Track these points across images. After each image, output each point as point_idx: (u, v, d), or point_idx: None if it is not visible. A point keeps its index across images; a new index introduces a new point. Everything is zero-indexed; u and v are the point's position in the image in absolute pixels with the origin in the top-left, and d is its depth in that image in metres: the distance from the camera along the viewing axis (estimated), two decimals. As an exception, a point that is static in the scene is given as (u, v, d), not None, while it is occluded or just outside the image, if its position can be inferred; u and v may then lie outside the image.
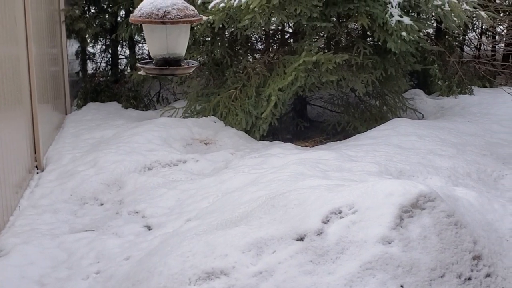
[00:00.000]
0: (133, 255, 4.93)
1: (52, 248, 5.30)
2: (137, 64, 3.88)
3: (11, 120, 6.20)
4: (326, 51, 7.68)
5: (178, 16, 3.21)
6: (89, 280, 4.78)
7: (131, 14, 3.42)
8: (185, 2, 3.38)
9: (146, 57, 10.02)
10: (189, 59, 3.74)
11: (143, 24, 3.30)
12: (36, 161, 7.08)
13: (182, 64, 3.47)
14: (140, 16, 3.25)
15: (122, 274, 4.62)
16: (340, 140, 7.31)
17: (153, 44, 3.38)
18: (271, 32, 8.75)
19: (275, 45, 8.87)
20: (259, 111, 7.58)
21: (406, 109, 8.25)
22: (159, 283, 4.10)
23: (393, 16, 7.50)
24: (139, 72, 3.74)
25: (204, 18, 3.75)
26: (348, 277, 3.75)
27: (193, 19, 3.33)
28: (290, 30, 8.69)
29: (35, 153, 7.05)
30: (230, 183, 5.88)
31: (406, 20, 7.56)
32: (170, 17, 3.19)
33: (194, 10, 3.41)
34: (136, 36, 9.96)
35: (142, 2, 3.29)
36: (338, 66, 7.42)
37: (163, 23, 3.21)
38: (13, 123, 6.28)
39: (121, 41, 10.00)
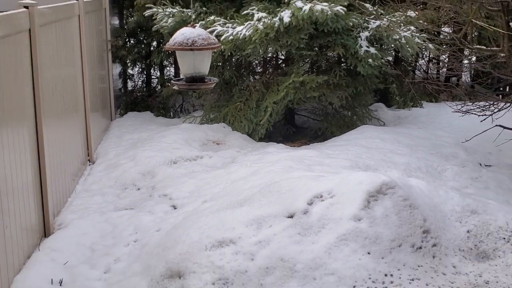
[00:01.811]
0: (163, 228, 4.94)
1: (101, 222, 5.33)
2: (172, 81, 3.94)
3: (70, 124, 6.24)
4: (310, 73, 7.70)
5: (203, 44, 3.26)
6: (129, 247, 4.81)
7: (166, 43, 3.47)
8: (208, 33, 3.43)
9: (172, 78, 10.05)
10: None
11: (176, 50, 3.36)
12: (88, 155, 7.11)
13: (205, 80, 3.53)
14: (174, 44, 3.30)
15: (154, 242, 4.63)
16: (320, 142, 7.33)
17: (184, 65, 3.43)
18: (267, 58, 8.77)
19: (270, 69, 8.90)
20: (258, 119, 7.61)
21: (371, 118, 8.26)
22: (183, 249, 4.12)
23: (362, 47, 7.52)
24: (173, 87, 3.78)
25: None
26: (327, 246, 3.79)
27: (214, 46, 3.38)
28: (282, 57, 8.71)
29: (88, 149, 7.08)
30: (236, 174, 5.92)
31: (372, 50, 7.57)
32: (197, 45, 3.24)
33: (214, 39, 3.47)
34: (164, 61, 9.98)
35: (175, 34, 3.34)
36: (319, 85, 7.44)
37: (191, 49, 3.26)
38: (71, 127, 6.32)
39: (153, 65, 10.00)
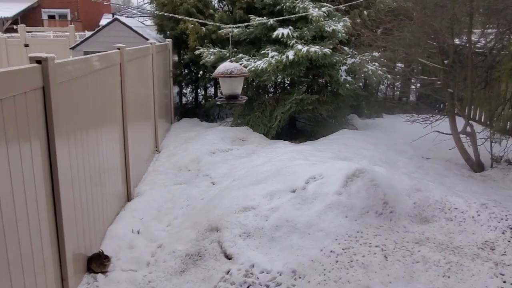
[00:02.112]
0: (205, 197, 4.96)
1: (164, 192, 5.37)
2: (216, 98, 4.00)
3: (144, 126, 6.29)
4: (307, 93, 7.66)
5: (238, 73, 3.29)
6: (183, 210, 4.84)
7: (213, 73, 3.51)
8: (240, 66, 3.45)
9: (212, 95, 10.06)
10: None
11: (219, 77, 3.39)
12: (156, 147, 7.16)
13: (239, 98, 3.55)
14: (218, 73, 3.34)
15: (200, 207, 4.65)
16: (313, 140, 7.29)
17: (224, 87, 3.46)
18: (277, 82, 8.75)
19: (279, 89, 8.87)
20: (271, 124, 7.59)
21: (348, 124, 8.21)
22: (219, 212, 4.14)
23: (342, 76, 7.47)
24: (217, 102, 3.82)
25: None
26: (318, 212, 3.78)
27: (244, 74, 3.41)
28: (288, 82, 8.67)
29: (156, 143, 7.13)
30: (255, 161, 5.92)
31: (349, 78, 7.53)
32: (234, 74, 3.27)
33: (245, 70, 3.50)
34: (207, 84, 9.99)
35: (219, 67, 3.38)
36: (312, 101, 7.43)
37: (230, 77, 3.29)
38: (146, 128, 6.38)
39: (200, 87, 10.00)
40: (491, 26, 6.38)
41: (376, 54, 7.94)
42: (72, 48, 9.22)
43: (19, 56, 11.91)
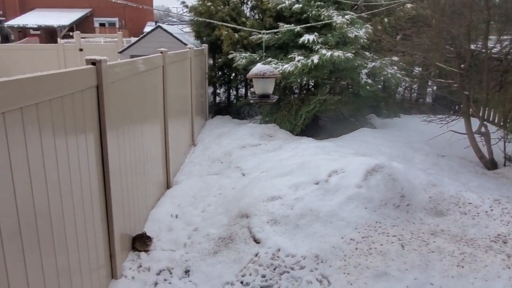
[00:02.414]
0: (236, 187, 4.97)
1: (199, 181, 5.40)
2: (249, 97, 3.98)
3: (182, 122, 6.37)
4: (329, 94, 7.56)
5: (270, 75, 3.27)
6: (216, 197, 4.87)
7: (247, 74, 3.49)
8: (272, 68, 3.43)
9: (243, 95, 10.09)
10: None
11: (253, 78, 3.38)
12: (192, 141, 7.24)
13: (270, 97, 3.53)
14: (252, 74, 3.32)
15: (231, 195, 4.67)
16: (335, 137, 7.20)
17: (257, 87, 3.44)
18: (302, 84, 8.69)
19: (304, 90, 8.80)
20: (296, 122, 7.54)
21: (367, 123, 8.06)
22: (249, 201, 4.15)
23: (363, 79, 7.36)
24: (250, 101, 3.80)
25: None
26: (340, 202, 3.73)
27: (276, 76, 3.39)
28: (312, 83, 8.59)
29: (192, 137, 7.21)
30: (282, 156, 5.89)
31: (369, 81, 7.40)
32: (266, 75, 3.25)
33: (276, 71, 3.47)
34: (239, 85, 10.04)
35: (253, 69, 3.37)
36: (335, 102, 7.33)
37: (263, 77, 3.27)
38: (183, 123, 6.45)
39: (232, 87, 10.05)
40: (506, 32, 6.13)
41: (395, 58, 7.75)
42: (120, 52, 9.41)
43: (74, 60, 12.26)
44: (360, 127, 7.51)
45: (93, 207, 2.94)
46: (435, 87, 9.03)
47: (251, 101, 3.77)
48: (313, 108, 7.32)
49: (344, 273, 3.09)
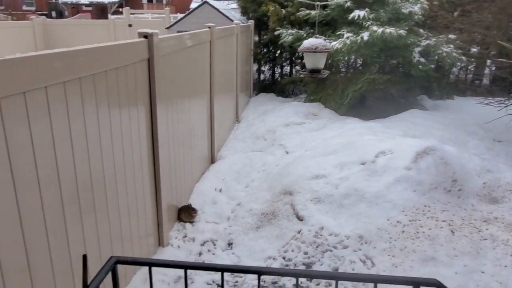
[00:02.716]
0: (280, 164, 4.96)
1: (243, 157, 5.44)
2: (300, 71, 3.88)
3: (227, 98, 6.39)
4: (378, 73, 7.27)
5: (322, 49, 3.17)
6: (259, 174, 4.89)
7: (298, 48, 3.39)
8: (325, 42, 3.32)
9: (288, 73, 9.95)
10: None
11: (304, 52, 3.29)
12: (237, 118, 7.27)
13: (321, 72, 3.43)
14: (303, 48, 3.24)
15: (275, 172, 4.67)
16: (382, 118, 6.95)
17: (308, 62, 3.35)
18: (349, 62, 8.40)
19: (351, 69, 8.52)
20: (342, 101, 7.34)
21: (417, 105, 7.67)
22: (293, 178, 4.13)
23: (415, 58, 6.98)
24: (300, 75, 3.71)
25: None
26: (387, 184, 3.62)
27: (328, 50, 3.29)
28: (360, 62, 8.28)
29: (236, 114, 7.24)
30: (326, 135, 5.79)
31: (422, 59, 7.01)
32: (318, 49, 3.16)
33: (329, 45, 3.36)
34: (283, 63, 9.89)
35: (304, 42, 3.27)
36: (384, 81, 7.04)
37: (315, 52, 3.17)
38: (228, 100, 6.48)
39: (277, 65, 9.93)
40: None
41: (452, 36, 7.27)
42: (167, 28, 9.53)
43: (124, 35, 12.58)
44: (409, 108, 7.19)
45: (143, 177, 3.05)
46: (494, 68, 8.40)
47: (301, 76, 3.69)
48: (361, 88, 7.07)
49: (389, 255, 3.02)
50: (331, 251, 3.18)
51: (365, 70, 7.27)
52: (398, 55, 7.07)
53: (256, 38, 9.49)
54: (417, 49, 7.10)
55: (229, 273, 3.09)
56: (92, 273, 1.28)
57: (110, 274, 1.37)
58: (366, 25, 6.81)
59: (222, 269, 1.29)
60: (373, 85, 7.06)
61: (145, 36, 2.94)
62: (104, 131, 2.41)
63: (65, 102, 2.00)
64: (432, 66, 8.16)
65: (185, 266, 1.30)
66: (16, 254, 1.70)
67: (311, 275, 1.28)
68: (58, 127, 1.95)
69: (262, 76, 10.22)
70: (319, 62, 3.28)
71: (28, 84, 1.71)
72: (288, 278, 3.02)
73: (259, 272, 1.30)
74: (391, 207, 3.42)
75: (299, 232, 3.42)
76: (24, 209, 1.73)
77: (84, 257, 1.16)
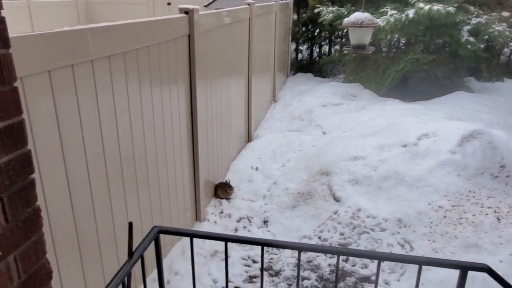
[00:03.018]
0: (317, 144, 4.91)
1: (280, 137, 5.43)
2: (344, 47, 3.72)
3: (264, 78, 6.33)
4: (423, 53, 6.93)
5: (368, 23, 3.04)
6: (296, 153, 4.87)
7: (343, 22, 3.26)
8: (372, 16, 3.18)
9: (326, 53, 9.70)
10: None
11: (349, 27, 3.17)
12: (273, 97, 7.22)
13: (366, 48, 3.30)
14: (348, 23, 3.12)
15: (311, 153, 4.62)
16: (425, 100, 6.66)
17: (353, 37, 3.23)
18: (392, 42, 8.06)
19: (394, 49, 8.17)
20: (383, 82, 7.06)
21: (463, 87, 7.29)
22: (330, 159, 4.06)
23: (463, 36, 6.58)
24: (344, 52, 3.58)
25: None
26: (429, 167, 3.48)
27: (375, 24, 3.14)
28: (403, 41, 7.92)
29: (273, 93, 7.18)
30: (365, 116, 5.64)
31: (471, 39, 6.60)
32: (364, 23, 3.03)
33: (375, 20, 3.21)
34: (322, 42, 9.65)
35: (349, 17, 3.15)
36: (428, 61, 6.70)
37: (360, 27, 3.05)
38: (265, 79, 6.42)
39: (315, 44, 9.70)
40: None
41: (505, 13, 6.78)
42: (206, 6, 9.49)
43: (163, 13, 12.69)
44: (454, 91, 6.83)
45: (182, 153, 3.09)
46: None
47: (345, 52, 3.56)
48: (403, 68, 6.78)
49: (429, 240, 2.93)
50: (368, 233, 3.12)
51: (409, 50, 6.95)
52: (445, 33, 6.69)
53: (295, 16, 9.29)
54: (466, 28, 6.69)
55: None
56: (134, 243, 1.32)
57: (153, 243, 1.40)
58: (412, 1, 6.47)
59: (263, 243, 1.29)
60: (416, 65, 6.75)
61: (186, 12, 2.93)
62: (146, 107, 2.45)
63: (110, 76, 2.04)
64: (482, 46, 7.68)
65: (226, 239, 1.30)
66: (65, 220, 1.78)
67: (353, 253, 1.25)
68: (103, 102, 1.99)
69: (299, 56, 10.03)
70: (365, 37, 3.14)
71: (75, 57, 1.74)
72: (323, 257, 3.00)
73: (299, 248, 1.28)
74: (432, 191, 3.29)
75: (335, 212, 3.38)
76: (72, 180, 1.80)
77: (130, 225, 1.19)
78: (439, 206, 3.16)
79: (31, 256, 0.94)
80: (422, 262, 1.20)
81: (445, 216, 3.07)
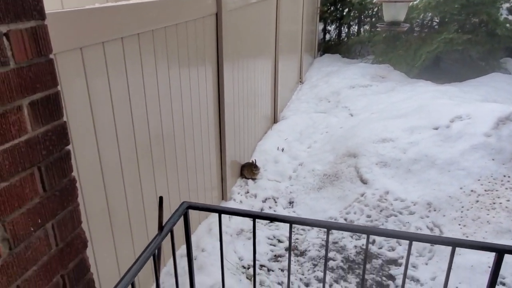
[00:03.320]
0: (344, 126, 4.82)
1: (306, 118, 5.37)
2: (377, 24, 3.61)
3: (291, 58, 6.24)
4: (457, 32, 6.63)
5: (403, -1, 2.92)
6: (322, 135, 4.81)
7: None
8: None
9: (355, 33, 9.44)
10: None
11: (383, 3, 3.05)
12: (300, 78, 7.11)
13: (401, 25, 3.19)
14: (382, -1, 3.01)
15: (338, 134, 4.55)
16: (458, 82, 6.40)
17: (387, 13, 3.12)
18: (425, 21, 7.74)
19: (426, 28, 7.84)
20: (414, 62, 6.83)
21: (500, 68, 6.95)
22: (358, 141, 4.00)
23: (502, 15, 6.28)
24: (377, 29, 3.47)
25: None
26: (462, 151, 3.36)
27: (410, 0, 3.02)
28: (437, 20, 7.59)
29: (300, 74, 7.08)
30: (395, 98, 5.49)
31: (510, 17, 6.28)
32: (399, -1, 2.92)
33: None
34: (351, 22, 9.38)
35: (382, -7, 3.04)
36: (463, 41, 6.42)
37: (395, 2, 2.94)
38: (292, 60, 6.32)
39: (343, 24, 9.45)
40: None
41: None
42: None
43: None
44: (490, 72, 6.53)
45: (209, 133, 3.11)
46: None
47: (378, 29, 3.44)
48: (436, 48, 6.52)
49: (459, 224, 2.85)
50: (395, 216, 3.07)
51: (442, 29, 6.66)
52: (482, 12, 6.36)
53: (324, -5, 9.06)
54: (506, 5, 6.35)
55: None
56: (163, 219, 1.34)
57: (182, 218, 1.42)
58: (448, -23, 6.18)
59: (292, 221, 1.28)
60: (450, 46, 6.47)
61: (214, -10, 2.89)
62: (175, 86, 2.46)
63: (139, 55, 2.05)
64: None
65: (255, 215, 1.30)
66: (97, 194, 1.83)
67: (383, 233, 1.23)
68: (134, 81, 2.01)
69: (327, 36, 9.81)
70: (399, 13, 3.01)
71: (106, 34, 1.75)
72: (349, 239, 2.98)
73: (328, 226, 1.27)
74: (465, 175, 3.19)
75: (362, 195, 3.34)
76: (104, 157, 1.84)
77: (161, 199, 1.21)
78: (471, 191, 3.06)
79: (68, 225, 0.97)
80: (455, 243, 1.17)
81: (477, 201, 2.98)
